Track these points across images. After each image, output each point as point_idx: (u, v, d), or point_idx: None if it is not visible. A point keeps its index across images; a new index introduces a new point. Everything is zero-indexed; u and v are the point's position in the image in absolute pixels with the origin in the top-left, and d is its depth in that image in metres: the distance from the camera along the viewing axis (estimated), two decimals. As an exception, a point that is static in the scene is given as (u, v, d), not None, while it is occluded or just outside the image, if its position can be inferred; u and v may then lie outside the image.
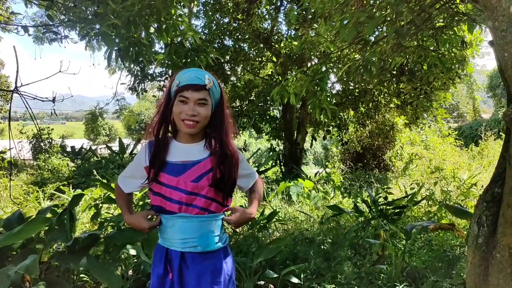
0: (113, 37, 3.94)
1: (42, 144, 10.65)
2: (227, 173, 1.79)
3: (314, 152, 24.82)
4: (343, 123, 11.52)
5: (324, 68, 5.44)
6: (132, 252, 3.25)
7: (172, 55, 4.53)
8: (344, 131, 11.81)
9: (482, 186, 6.16)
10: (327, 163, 13.54)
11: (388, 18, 3.27)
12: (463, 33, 5.22)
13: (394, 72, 7.21)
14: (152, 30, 4.10)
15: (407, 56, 4.11)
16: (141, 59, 4.38)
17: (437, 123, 13.21)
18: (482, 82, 25.49)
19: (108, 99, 15.15)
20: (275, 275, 3.53)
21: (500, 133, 15.29)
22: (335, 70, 4.35)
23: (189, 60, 4.51)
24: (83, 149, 11.22)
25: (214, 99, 1.79)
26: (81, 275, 3.42)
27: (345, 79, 5.08)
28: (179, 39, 4.50)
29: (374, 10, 3.46)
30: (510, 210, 2.67)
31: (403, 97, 9.32)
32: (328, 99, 4.76)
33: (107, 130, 38.15)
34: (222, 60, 10.22)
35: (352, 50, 4.02)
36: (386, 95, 10.81)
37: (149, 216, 1.87)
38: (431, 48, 4.52)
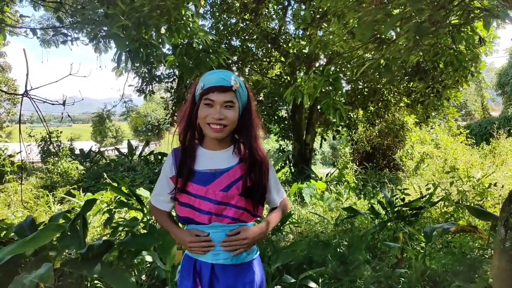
0: (123, 38, 3.88)
1: (51, 147, 10.62)
2: (257, 180, 1.70)
3: (322, 152, 24.67)
4: (352, 122, 11.42)
5: (337, 68, 5.35)
6: (148, 258, 3.17)
7: (183, 56, 4.46)
8: (354, 130, 11.70)
9: (503, 186, 6.03)
10: (336, 163, 13.44)
11: (407, 15, 3.17)
12: (476, 30, 5.11)
13: (409, 70, 7.09)
14: (163, 31, 4.03)
15: (423, 55, 4.01)
16: (151, 60, 4.31)
17: (447, 122, 13.04)
18: (491, 80, 25.24)
19: (115, 101, 15.13)
20: (293, 280, 3.44)
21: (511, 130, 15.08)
22: (349, 69, 4.25)
23: (200, 61, 4.44)
24: (92, 152, 11.20)
25: (241, 101, 1.69)
26: (95, 281, 3.36)
27: (354, 78, 4.97)
28: (190, 40, 4.42)
29: (390, 8, 3.37)
30: (540, 213, 2.58)
31: (414, 96, 9.19)
32: (342, 99, 4.67)
33: (114, 132, 38.24)
34: (230, 61, 10.15)
35: (367, 49, 3.92)
36: (395, 94, 10.69)
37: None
38: (448, 46, 4.41)
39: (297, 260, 3.91)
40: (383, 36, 3.85)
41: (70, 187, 6.61)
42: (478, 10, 3.88)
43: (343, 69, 4.25)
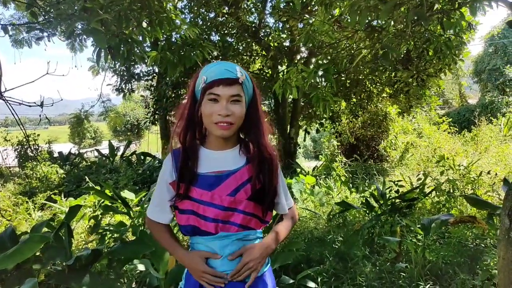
0: (103, 34, 3.66)
1: (28, 151, 10.22)
2: (267, 182, 1.53)
3: (304, 146, 24.65)
4: (336, 114, 11.35)
5: (323, 60, 5.22)
6: (141, 267, 2.99)
7: (166, 51, 4.25)
8: (338, 123, 11.65)
9: (496, 174, 6.02)
10: (320, 156, 13.38)
11: (398, 2, 3.06)
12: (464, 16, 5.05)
13: (398, 59, 7.02)
14: (144, 25, 3.82)
15: (415, 42, 3.91)
16: (133, 56, 4.10)
17: (430, 111, 13.14)
18: (468, 68, 25.58)
19: (93, 101, 14.78)
20: (291, 281, 3.32)
21: (491, 118, 15.30)
22: (340, 60, 4.13)
23: (184, 56, 4.24)
24: (71, 154, 10.85)
25: (247, 94, 1.51)
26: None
27: (345, 69, 4.86)
28: (173, 34, 4.23)
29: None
30: (547, 201, 2.51)
31: (397, 86, 9.17)
32: (331, 90, 4.56)
33: (92, 133, 37.46)
34: (211, 56, 9.95)
35: (360, 38, 3.80)
36: (378, 84, 10.66)
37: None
38: (437, 33, 4.33)
39: (294, 259, 3.78)
40: (374, 24, 3.74)
41: (51, 193, 6.33)
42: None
43: (335, 60, 4.12)
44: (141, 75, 10.65)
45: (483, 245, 3.87)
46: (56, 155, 10.58)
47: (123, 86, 10.74)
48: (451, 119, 14.51)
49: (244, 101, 1.50)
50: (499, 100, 20.60)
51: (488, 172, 5.57)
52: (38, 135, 10.81)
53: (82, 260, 2.65)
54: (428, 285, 3.18)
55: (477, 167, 7.32)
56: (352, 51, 4.25)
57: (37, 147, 10.02)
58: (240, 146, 1.59)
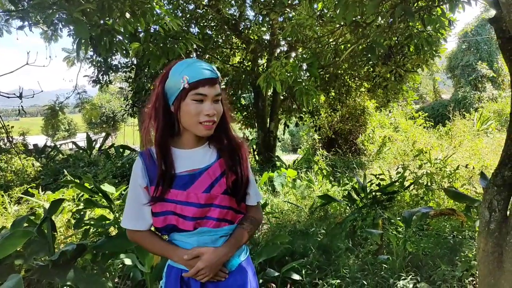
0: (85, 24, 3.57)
1: (1, 143, 9.92)
2: (239, 172, 1.55)
3: (282, 139, 24.76)
4: (315, 108, 11.44)
5: (304, 55, 5.24)
6: (127, 261, 2.96)
7: (149, 43, 4.19)
8: (317, 117, 11.74)
9: (473, 168, 6.18)
10: (298, 149, 13.47)
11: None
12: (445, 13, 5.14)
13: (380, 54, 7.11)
14: (127, 15, 3.75)
15: (398, 37, 3.98)
16: (115, 48, 4.02)
17: (407, 105, 13.39)
18: (442, 64, 26.12)
19: (68, 92, 14.43)
20: (276, 273, 3.35)
21: (465, 113, 15.71)
22: (324, 54, 4.15)
23: (167, 48, 4.18)
24: (47, 147, 10.58)
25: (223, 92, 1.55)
26: (65, 288, 3.12)
27: (328, 63, 4.89)
28: (156, 25, 4.16)
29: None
30: (525, 194, 2.59)
31: (376, 81, 9.30)
32: (314, 84, 4.58)
33: (66, 125, 36.62)
34: (190, 49, 9.84)
35: (345, 32, 3.83)
36: (357, 79, 10.79)
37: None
38: (418, 29, 4.40)
39: (279, 252, 3.81)
40: (358, 19, 3.77)
41: (28, 186, 6.17)
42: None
43: (320, 54, 4.13)
44: (119, 66, 10.46)
45: (461, 237, 3.98)
46: (31, 147, 10.31)
47: (100, 77, 10.52)
48: (426, 114, 14.81)
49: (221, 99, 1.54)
50: (472, 95, 21.17)
51: (466, 166, 5.73)
52: (12, 127, 10.50)
53: (67, 255, 2.60)
54: (410, 276, 3.26)
55: (452, 161, 7.52)
56: (336, 46, 4.27)
57: (11, 139, 9.74)
58: (209, 141, 1.60)
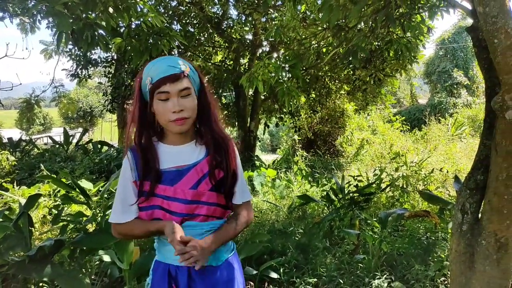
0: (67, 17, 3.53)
1: (-26, 136, 9.67)
2: (225, 168, 1.56)
3: (261, 139, 24.81)
4: (295, 109, 11.53)
5: (286, 56, 5.28)
6: (106, 258, 2.94)
7: (132, 38, 4.16)
8: (297, 117, 11.84)
9: (447, 171, 6.35)
10: (278, 149, 13.54)
11: (369, 2, 3.16)
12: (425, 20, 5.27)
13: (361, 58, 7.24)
14: (111, 10, 3.72)
15: (379, 43, 4.07)
16: (97, 42, 3.98)
17: (385, 109, 13.62)
18: (419, 69, 26.67)
19: (44, 85, 14.15)
20: (255, 272, 3.38)
21: (440, 118, 16.07)
22: (306, 56, 4.21)
23: (151, 44, 4.16)
24: (22, 141, 10.34)
25: (195, 85, 1.53)
26: (41, 284, 3.08)
27: (310, 65, 4.96)
28: (139, 20, 4.14)
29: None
30: (497, 198, 2.67)
31: (355, 84, 9.45)
32: (296, 85, 4.64)
33: (41, 119, 35.79)
34: (173, 46, 9.77)
35: (327, 35, 3.89)
36: (337, 81, 10.93)
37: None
38: (398, 35, 4.51)
39: (258, 250, 3.85)
40: (340, 23, 3.84)
41: (2, 181, 6.03)
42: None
43: (302, 56, 4.19)
44: (99, 61, 10.32)
45: (434, 238, 4.09)
46: (5, 140, 10.06)
47: (79, 71, 10.36)
48: (403, 118, 15.11)
49: (194, 92, 1.52)
50: (447, 101, 21.68)
51: (440, 170, 5.89)
52: (-14, 119, 10.26)
53: (45, 250, 2.57)
54: (385, 275, 3.34)
55: (427, 164, 7.70)
56: (318, 49, 4.34)
57: (-16, 133, 9.52)
58: (196, 137, 1.61)
